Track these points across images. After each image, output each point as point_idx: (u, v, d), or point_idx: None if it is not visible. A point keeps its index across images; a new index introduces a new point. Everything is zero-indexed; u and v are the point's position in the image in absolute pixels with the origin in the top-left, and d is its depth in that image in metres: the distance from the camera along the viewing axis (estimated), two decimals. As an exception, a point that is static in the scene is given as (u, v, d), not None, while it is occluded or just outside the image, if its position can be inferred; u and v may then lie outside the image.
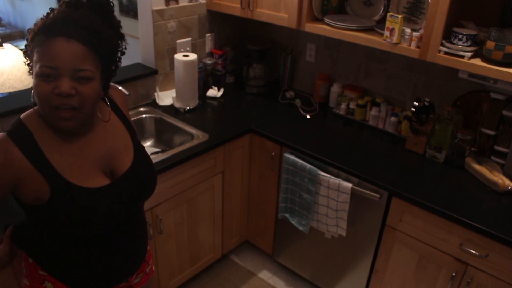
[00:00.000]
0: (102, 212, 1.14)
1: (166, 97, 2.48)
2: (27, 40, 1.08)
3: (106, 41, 1.08)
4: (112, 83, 1.29)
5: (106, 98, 1.24)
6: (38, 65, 1.01)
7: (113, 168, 1.20)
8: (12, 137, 1.06)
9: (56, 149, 1.10)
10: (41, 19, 1.06)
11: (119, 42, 1.15)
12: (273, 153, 2.24)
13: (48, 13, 1.06)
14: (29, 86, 1.73)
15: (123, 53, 1.18)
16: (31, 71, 1.07)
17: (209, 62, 2.64)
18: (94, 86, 1.07)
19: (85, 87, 1.04)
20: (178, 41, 2.50)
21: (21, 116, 1.12)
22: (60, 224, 1.11)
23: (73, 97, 1.03)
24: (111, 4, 1.14)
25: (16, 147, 1.05)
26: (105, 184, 1.16)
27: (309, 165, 2.03)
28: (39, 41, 1.02)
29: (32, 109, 1.12)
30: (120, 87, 2.05)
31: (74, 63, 1.01)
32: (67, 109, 1.03)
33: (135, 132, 1.32)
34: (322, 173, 2.00)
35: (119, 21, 1.17)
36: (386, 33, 1.92)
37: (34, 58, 1.03)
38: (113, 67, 1.16)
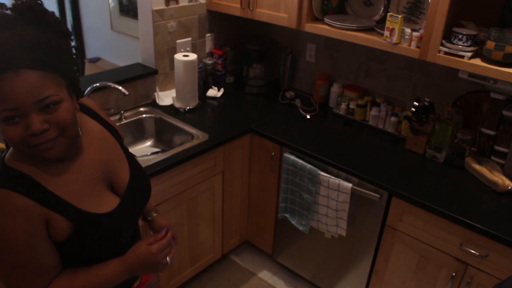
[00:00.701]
0: (125, 230, 1.12)
1: (166, 97, 2.48)
2: None
3: (55, 49, 0.93)
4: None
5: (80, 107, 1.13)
6: None
7: (114, 181, 1.15)
8: (11, 188, 0.93)
9: (58, 181, 1.01)
10: None
11: (67, 39, 0.99)
12: (273, 153, 2.24)
13: None
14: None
15: (76, 48, 1.04)
16: None
17: (209, 62, 2.64)
18: (66, 107, 0.94)
19: (57, 114, 0.92)
20: (178, 41, 2.50)
21: (5, 160, 0.98)
22: (89, 252, 1.06)
23: (48, 130, 0.91)
24: (38, 2, 0.96)
25: (20, 195, 0.93)
26: (118, 204, 1.11)
27: (309, 165, 2.03)
28: None
29: (11, 149, 1.00)
30: (120, 87, 2.06)
31: (33, 96, 0.87)
32: (47, 143, 0.92)
33: (121, 138, 1.25)
34: (322, 173, 2.00)
35: (54, 15, 0.98)
36: (386, 33, 1.92)
37: None
38: (75, 68, 1.02)
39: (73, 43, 1.03)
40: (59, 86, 0.93)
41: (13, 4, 0.93)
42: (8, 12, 0.92)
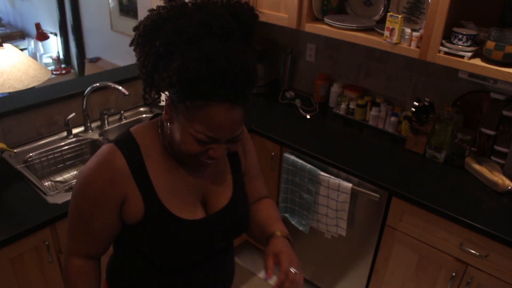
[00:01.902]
0: (192, 244, 1.04)
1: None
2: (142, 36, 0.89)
3: (256, 82, 0.91)
4: None
5: None
6: (193, 129, 0.88)
7: (208, 200, 1.09)
8: (120, 148, 0.97)
9: (160, 171, 1.00)
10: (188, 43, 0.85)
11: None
12: (273, 153, 2.24)
13: (190, 39, 0.84)
14: (29, 86, 1.73)
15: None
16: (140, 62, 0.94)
17: (209, 62, 2.63)
18: (242, 136, 0.97)
19: (235, 145, 0.96)
20: (178, 41, 2.50)
21: (131, 128, 1.02)
22: (147, 249, 1.03)
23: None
24: (256, 16, 0.94)
25: (124, 158, 0.96)
26: (199, 218, 1.04)
27: (309, 165, 2.03)
28: (188, 94, 0.85)
29: (144, 124, 1.03)
30: (120, 87, 2.06)
31: (232, 133, 0.90)
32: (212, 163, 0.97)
33: (240, 165, 1.16)
34: (322, 173, 2.00)
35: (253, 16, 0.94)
36: (386, 33, 1.92)
37: (184, 112, 0.88)
38: None
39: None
40: (244, 117, 0.92)
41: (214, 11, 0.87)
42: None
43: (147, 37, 0.88)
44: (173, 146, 0.98)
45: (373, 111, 2.29)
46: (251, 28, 0.92)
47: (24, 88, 1.72)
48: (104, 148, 0.98)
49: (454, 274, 1.74)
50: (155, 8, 0.90)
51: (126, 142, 0.99)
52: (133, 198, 0.97)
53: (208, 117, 0.86)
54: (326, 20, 2.16)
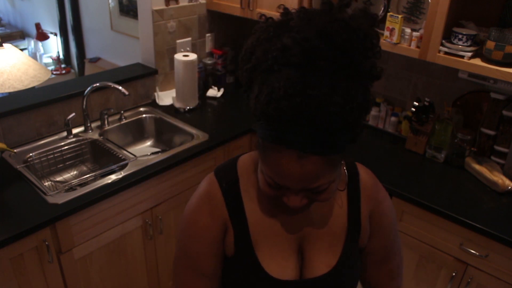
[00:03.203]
0: None
1: (166, 97, 2.48)
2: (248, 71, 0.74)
3: (353, 125, 0.69)
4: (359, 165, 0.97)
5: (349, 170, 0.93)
6: (264, 170, 0.76)
7: (306, 258, 0.89)
8: (219, 179, 0.89)
9: (257, 210, 0.88)
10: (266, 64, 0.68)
11: (370, 84, 0.72)
12: (273, 153, 2.23)
13: (271, 61, 0.67)
14: (29, 86, 1.73)
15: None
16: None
17: (209, 62, 2.64)
18: (332, 189, 0.77)
19: (321, 196, 0.77)
20: (178, 41, 2.50)
21: (241, 157, 0.92)
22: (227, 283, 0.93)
23: (306, 204, 0.78)
24: (375, 32, 0.71)
25: (220, 191, 0.88)
26: (290, 279, 0.87)
27: (309, 165, 2.03)
28: (261, 130, 0.72)
29: (253, 153, 0.91)
30: (120, 87, 2.06)
31: (308, 183, 0.72)
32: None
33: (358, 234, 0.93)
34: (322, 173, 1.99)
35: (378, 52, 0.71)
36: (386, 33, 1.92)
37: (261, 148, 0.74)
38: (360, 129, 0.74)
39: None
40: (336, 166, 0.75)
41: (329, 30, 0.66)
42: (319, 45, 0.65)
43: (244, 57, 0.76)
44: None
45: (373, 111, 2.29)
46: (353, 56, 0.66)
47: (24, 88, 1.72)
48: (204, 179, 0.92)
49: (454, 274, 1.74)
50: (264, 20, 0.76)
51: (226, 173, 0.90)
52: (229, 232, 0.88)
53: (274, 162, 0.71)
54: (326, 20, 2.15)
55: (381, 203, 0.94)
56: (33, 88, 1.90)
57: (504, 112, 1.85)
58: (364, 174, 0.95)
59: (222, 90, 2.64)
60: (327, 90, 0.63)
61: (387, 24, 1.90)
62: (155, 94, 2.47)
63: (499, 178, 1.79)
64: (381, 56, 0.72)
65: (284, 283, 0.86)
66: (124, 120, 2.28)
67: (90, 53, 4.62)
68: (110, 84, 2.08)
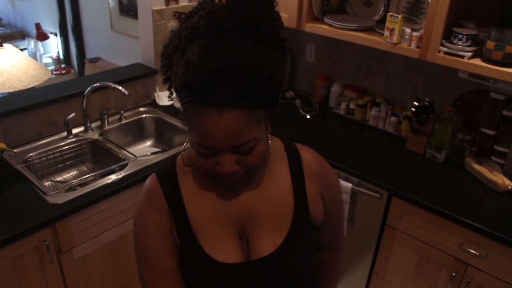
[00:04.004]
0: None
1: (166, 97, 2.47)
2: (164, 64, 0.84)
3: (267, 80, 0.75)
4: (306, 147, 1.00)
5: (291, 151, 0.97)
6: (192, 139, 0.81)
7: (250, 239, 0.92)
8: (159, 176, 0.94)
9: (196, 198, 0.91)
10: (171, 47, 0.80)
11: (284, 53, 0.81)
12: (273, 153, 2.23)
13: (180, 39, 0.77)
14: (29, 86, 1.73)
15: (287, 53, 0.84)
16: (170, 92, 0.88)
17: (209, 62, 2.63)
18: (261, 148, 0.81)
19: (251, 157, 0.80)
20: (178, 41, 2.50)
21: (177, 157, 0.97)
22: (184, 278, 0.95)
23: (238, 171, 0.81)
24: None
25: (160, 187, 0.92)
26: (236, 262, 0.89)
27: (309, 165, 2.03)
28: (184, 101, 0.77)
29: (188, 150, 0.93)
30: (120, 87, 2.06)
31: (232, 141, 0.76)
32: (232, 179, 0.83)
33: (307, 211, 0.94)
34: (322, 173, 1.99)
35: (278, 17, 0.80)
36: (386, 33, 1.92)
37: (187, 120, 0.80)
38: (277, 88, 0.81)
39: (287, 52, 0.83)
40: (259, 123, 0.79)
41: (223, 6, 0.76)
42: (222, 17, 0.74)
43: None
44: (199, 169, 0.89)
45: (373, 111, 2.29)
46: (253, 18, 0.75)
47: (24, 88, 1.72)
48: (147, 179, 0.96)
49: (454, 274, 1.74)
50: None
51: (165, 168, 0.95)
52: (173, 224, 0.92)
53: (198, 125, 0.76)
54: (326, 20, 2.16)
55: (327, 176, 0.99)
56: (33, 88, 1.90)
57: (504, 112, 1.85)
58: (306, 152, 0.98)
59: (222, 90, 2.64)
60: (235, 46, 0.72)
61: (387, 24, 1.90)
62: (155, 94, 2.47)
63: (499, 178, 1.79)
64: (280, 18, 0.80)
65: (230, 266, 0.89)
66: (124, 120, 2.28)
67: (90, 53, 4.62)
68: (110, 84, 2.08)
